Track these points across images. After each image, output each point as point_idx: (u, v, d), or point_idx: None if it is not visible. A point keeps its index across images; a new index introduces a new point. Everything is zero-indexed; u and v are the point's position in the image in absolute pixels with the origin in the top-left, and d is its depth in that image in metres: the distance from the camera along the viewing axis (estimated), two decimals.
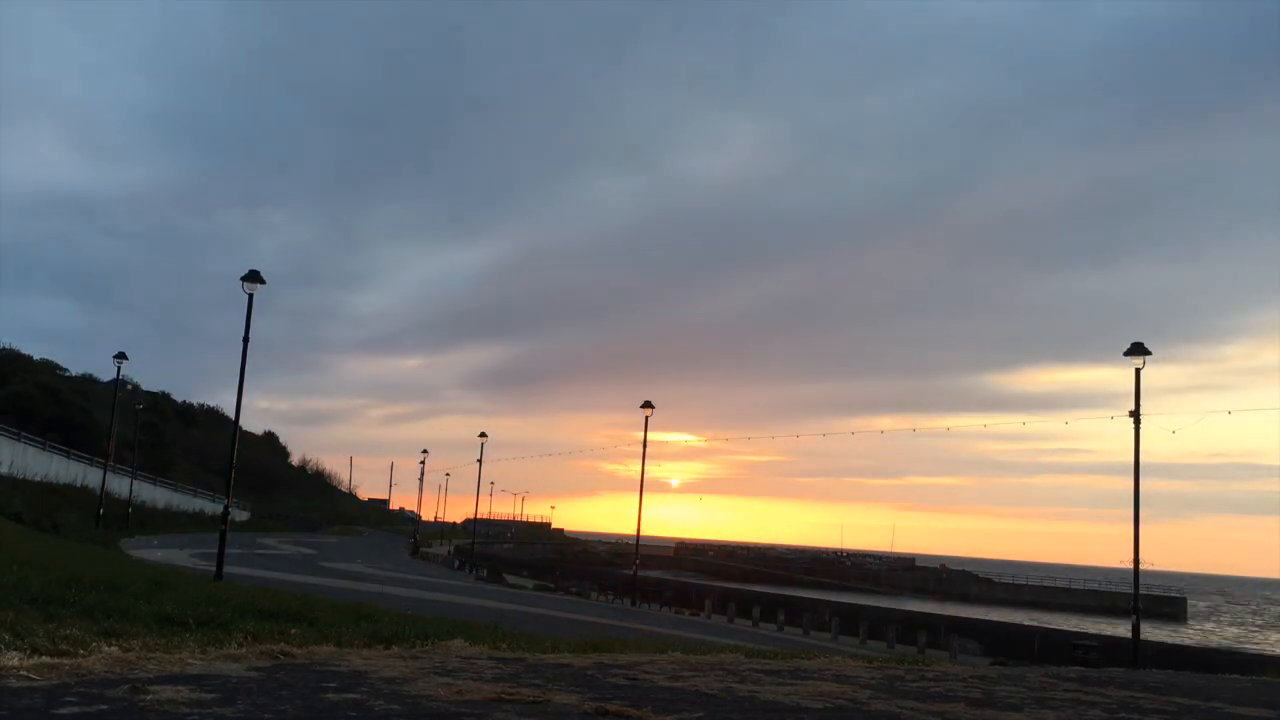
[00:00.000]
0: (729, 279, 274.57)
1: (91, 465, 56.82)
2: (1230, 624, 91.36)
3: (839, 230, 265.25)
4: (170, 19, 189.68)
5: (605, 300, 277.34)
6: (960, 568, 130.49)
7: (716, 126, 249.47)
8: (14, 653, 6.61)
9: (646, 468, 45.31)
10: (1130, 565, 28.05)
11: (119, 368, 51.36)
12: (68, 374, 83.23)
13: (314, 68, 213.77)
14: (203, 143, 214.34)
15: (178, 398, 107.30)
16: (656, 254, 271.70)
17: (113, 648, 7.40)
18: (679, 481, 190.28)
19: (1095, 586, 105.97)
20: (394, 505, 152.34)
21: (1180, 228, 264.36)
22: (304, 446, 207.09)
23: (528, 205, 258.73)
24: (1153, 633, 50.45)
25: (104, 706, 5.19)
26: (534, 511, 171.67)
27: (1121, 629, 37.06)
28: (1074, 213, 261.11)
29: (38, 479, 49.38)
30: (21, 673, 5.98)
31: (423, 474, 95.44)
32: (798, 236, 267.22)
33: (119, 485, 60.16)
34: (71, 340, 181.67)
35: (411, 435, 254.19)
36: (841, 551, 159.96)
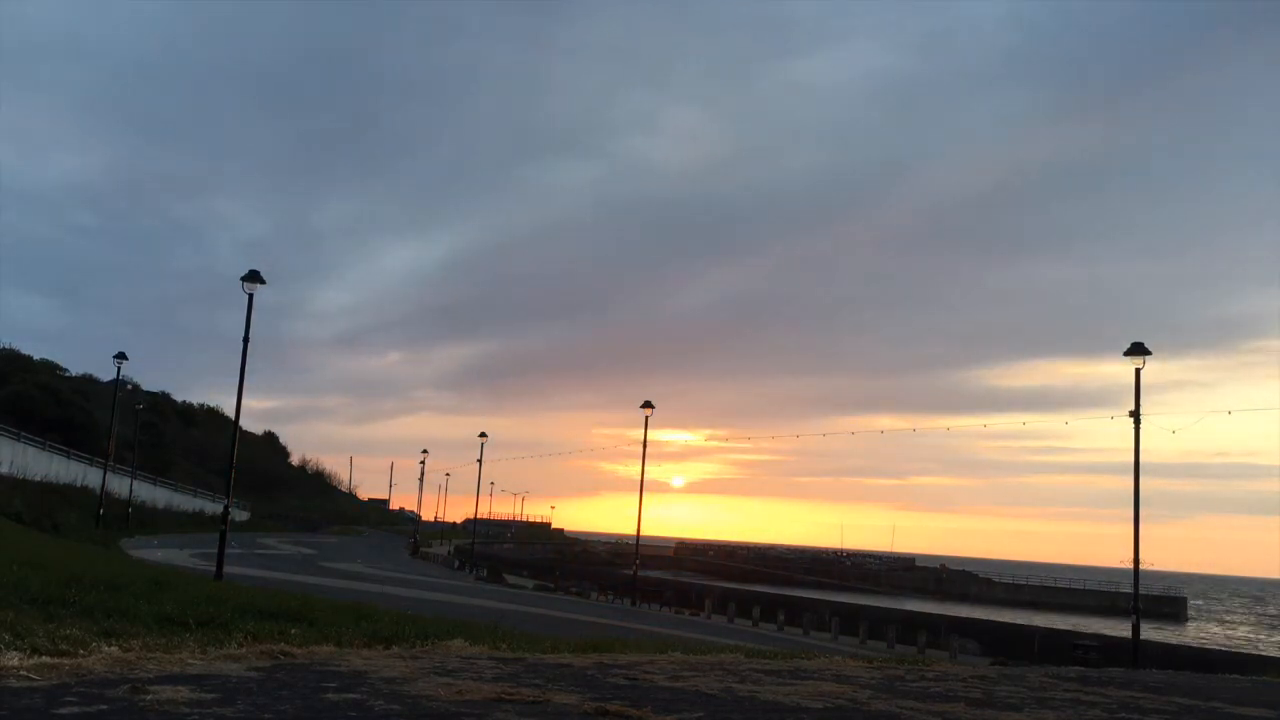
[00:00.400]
0: (706, 268, 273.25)
1: (91, 465, 56.83)
2: (1231, 624, 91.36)
3: (790, 219, 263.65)
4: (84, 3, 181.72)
5: (585, 294, 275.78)
6: (960, 568, 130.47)
7: (665, 111, 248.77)
8: (14, 653, 6.61)
9: (646, 468, 45.39)
10: (1130, 565, 28.06)
11: (119, 368, 51.44)
12: (68, 374, 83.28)
13: (237, 54, 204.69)
14: (138, 132, 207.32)
15: (175, 397, 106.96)
16: (629, 244, 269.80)
17: (113, 648, 7.40)
18: (680, 481, 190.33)
19: (1095, 586, 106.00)
20: (394, 505, 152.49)
21: (1153, 212, 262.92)
22: (298, 446, 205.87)
23: (481, 195, 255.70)
24: (1153, 633, 50.45)
25: (104, 706, 5.19)
26: (534, 511, 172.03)
27: (1121, 629, 37.01)
28: (1028, 196, 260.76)
29: (38, 479, 49.37)
30: (21, 673, 5.98)
31: (422, 474, 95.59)
32: (756, 226, 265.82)
33: (119, 485, 60.17)
34: (36, 336, 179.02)
35: (402, 435, 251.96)
36: (841, 551, 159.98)
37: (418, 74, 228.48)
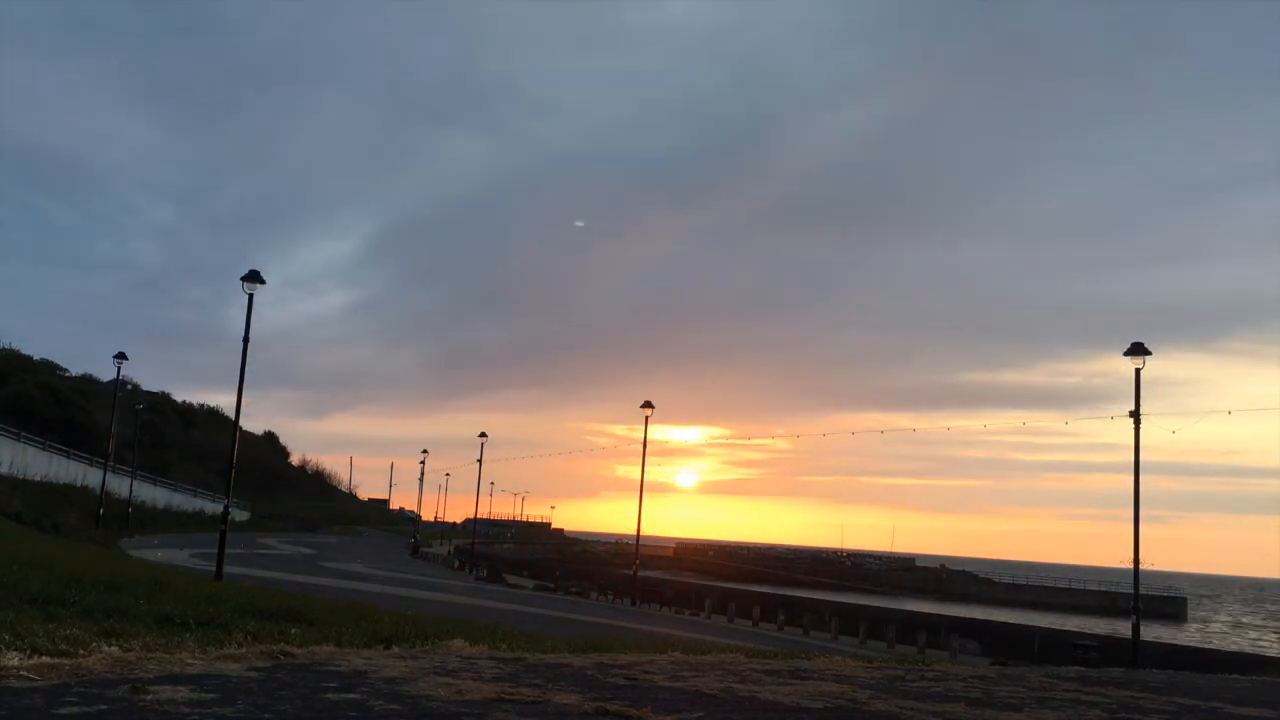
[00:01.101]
0: (619, 247, 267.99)
1: (91, 465, 56.84)
2: (1230, 624, 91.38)
3: (667, 194, 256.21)
4: None
5: (537, 281, 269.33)
6: (960, 568, 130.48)
7: (527, 78, 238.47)
8: (14, 653, 6.61)
9: (646, 468, 45.40)
10: (1130, 565, 28.07)
11: (119, 368, 51.44)
12: (68, 374, 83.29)
13: (101, 37, 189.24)
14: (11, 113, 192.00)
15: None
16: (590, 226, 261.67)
17: (113, 648, 7.39)
18: (684, 479, 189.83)
19: (1095, 586, 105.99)
20: (394, 505, 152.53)
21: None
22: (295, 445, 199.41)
23: (375, 173, 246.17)
24: (1153, 633, 50.46)
25: (104, 706, 5.19)
26: (534, 512, 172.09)
27: (1122, 629, 37.03)
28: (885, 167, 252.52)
29: (38, 479, 49.39)
30: (21, 673, 5.98)
31: (422, 474, 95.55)
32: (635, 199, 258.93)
33: (119, 485, 60.19)
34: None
35: (397, 434, 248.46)
36: (841, 552, 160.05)
37: (280, 50, 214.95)
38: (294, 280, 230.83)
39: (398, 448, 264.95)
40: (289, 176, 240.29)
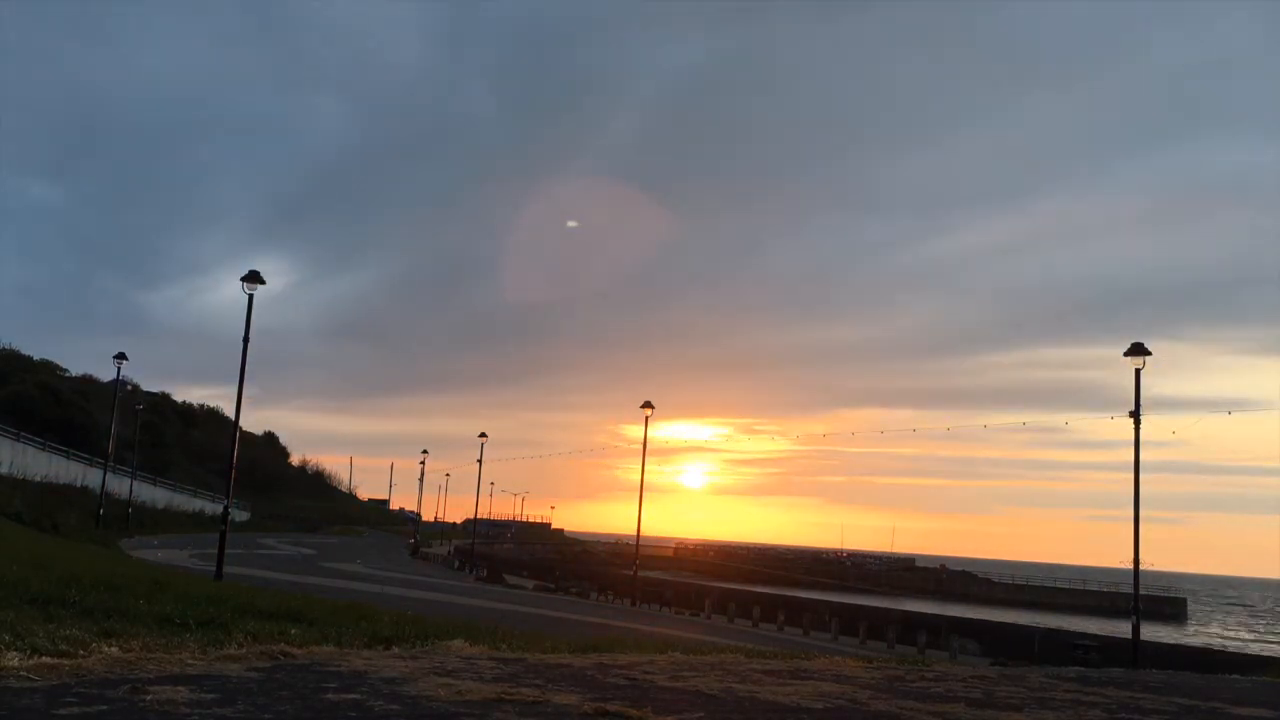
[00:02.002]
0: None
1: (91, 465, 56.85)
2: (1230, 624, 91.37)
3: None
4: None
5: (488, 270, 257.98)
6: (960, 568, 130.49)
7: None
8: (14, 653, 6.61)
9: (647, 468, 45.40)
10: (1130, 565, 28.06)
11: (119, 368, 51.47)
12: (68, 374, 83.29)
13: None
14: None
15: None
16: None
17: (113, 648, 7.39)
18: (679, 480, 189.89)
19: (1096, 587, 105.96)
20: (394, 505, 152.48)
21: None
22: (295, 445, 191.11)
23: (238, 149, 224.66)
24: (1153, 633, 50.44)
25: (104, 707, 5.19)
26: (534, 512, 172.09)
27: (1122, 629, 37.00)
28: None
29: (38, 479, 49.40)
30: (21, 673, 5.98)
31: (422, 474, 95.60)
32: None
33: (119, 485, 60.18)
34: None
35: (400, 432, 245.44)
36: (841, 552, 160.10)
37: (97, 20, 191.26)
38: (198, 267, 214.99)
39: (398, 448, 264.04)
40: (151, 148, 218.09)
